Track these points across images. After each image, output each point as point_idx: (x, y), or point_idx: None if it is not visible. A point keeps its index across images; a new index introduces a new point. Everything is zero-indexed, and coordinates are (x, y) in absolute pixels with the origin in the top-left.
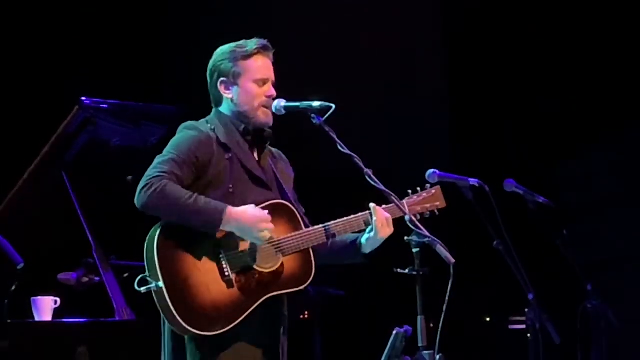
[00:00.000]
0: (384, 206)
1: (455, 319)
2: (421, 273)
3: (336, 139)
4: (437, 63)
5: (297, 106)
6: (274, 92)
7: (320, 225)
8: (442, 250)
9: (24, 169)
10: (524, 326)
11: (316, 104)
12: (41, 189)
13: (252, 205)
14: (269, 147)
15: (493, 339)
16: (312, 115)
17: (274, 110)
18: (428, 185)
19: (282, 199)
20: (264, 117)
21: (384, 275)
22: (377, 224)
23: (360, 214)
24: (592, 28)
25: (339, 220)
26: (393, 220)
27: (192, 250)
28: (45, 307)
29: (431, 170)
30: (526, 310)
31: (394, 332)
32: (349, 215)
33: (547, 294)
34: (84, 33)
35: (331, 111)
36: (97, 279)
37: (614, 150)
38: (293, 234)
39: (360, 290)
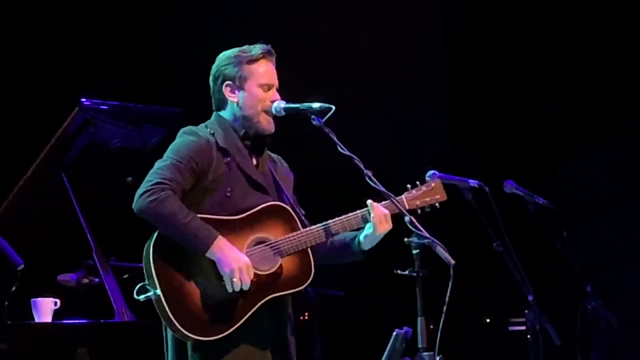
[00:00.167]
0: (382, 202)
1: (455, 321)
2: (421, 274)
3: (336, 141)
4: (437, 63)
5: (297, 107)
6: (278, 98)
7: (318, 225)
8: (442, 251)
9: (24, 170)
10: (523, 327)
11: (316, 105)
12: (41, 190)
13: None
14: (268, 152)
15: (493, 340)
16: (312, 117)
17: (273, 111)
18: (429, 173)
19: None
20: (266, 124)
21: (384, 276)
22: (375, 220)
23: (358, 211)
24: (592, 28)
25: (337, 218)
26: (393, 220)
27: (189, 256)
28: (45, 309)
29: (431, 171)
30: (526, 311)
31: (394, 333)
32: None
33: (547, 296)
34: (83, 34)
35: (331, 112)
36: (97, 280)
37: (614, 150)
38: (290, 234)
39: (360, 291)
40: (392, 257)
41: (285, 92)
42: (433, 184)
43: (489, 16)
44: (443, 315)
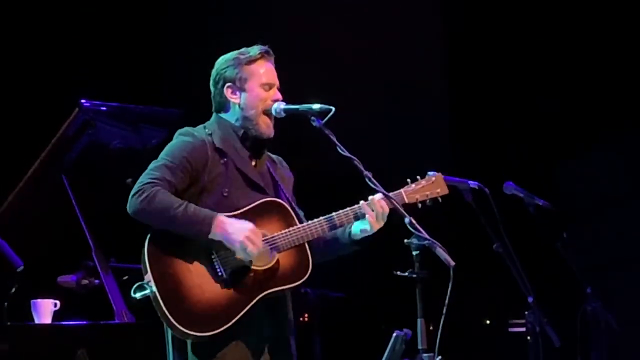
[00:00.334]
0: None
1: (455, 322)
2: (421, 276)
3: (336, 142)
4: (437, 63)
5: (297, 109)
6: (279, 97)
7: (315, 220)
8: (441, 252)
9: (24, 172)
10: (523, 329)
11: (316, 106)
12: (41, 192)
13: (243, 220)
14: (268, 153)
15: (493, 341)
16: (312, 118)
17: (274, 112)
18: (429, 173)
19: None
20: (265, 127)
21: (384, 277)
22: (370, 219)
23: (355, 206)
24: (592, 28)
25: (333, 213)
26: (393, 221)
27: (184, 253)
28: (45, 310)
29: (431, 172)
30: (526, 313)
31: (394, 334)
32: None
33: (547, 297)
34: (83, 34)
35: (331, 114)
36: (96, 281)
37: (614, 150)
38: (286, 230)
39: (360, 292)
40: (392, 259)
41: (285, 93)
42: (434, 178)
43: (489, 16)
44: (443, 317)
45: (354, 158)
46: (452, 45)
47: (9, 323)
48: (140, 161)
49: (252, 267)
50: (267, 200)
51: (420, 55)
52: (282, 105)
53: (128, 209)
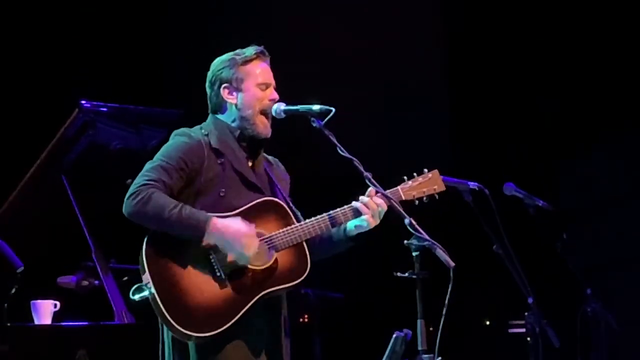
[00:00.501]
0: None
1: (455, 323)
2: (421, 277)
3: (336, 143)
4: (437, 63)
5: (297, 109)
6: (276, 96)
7: (312, 219)
8: (441, 253)
9: (24, 172)
10: (523, 330)
11: (316, 107)
12: (41, 192)
13: (239, 219)
14: (264, 154)
15: (493, 342)
16: (312, 119)
17: (273, 113)
18: (426, 170)
19: None
20: (262, 127)
21: (384, 278)
22: (367, 217)
23: (353, 202)
24: (592, 28)
25: (331, 211)
26: (393, 221)
27: (182, 254)
28: (44, 311)
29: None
30: (526, 314)
31: (394, 335)
32: None
33: (547, 298)
34: (83, 35)
35: (331, 114)
36: (96, 282)
37: (614, 150)
38: (284, 229)
39: (360, 293)
40: (392, 260)
41: (285, 93)
42: (430, 175)
43: (489, 16)
44: (443, 318)
45: (354, 159)
46: (452, 45)
47: (9, 324)
48: (140, 162)
49: (251, 267)
50: (265, 200)
51: (420, 55)
52: (282, 106)
53: (124, 211)
